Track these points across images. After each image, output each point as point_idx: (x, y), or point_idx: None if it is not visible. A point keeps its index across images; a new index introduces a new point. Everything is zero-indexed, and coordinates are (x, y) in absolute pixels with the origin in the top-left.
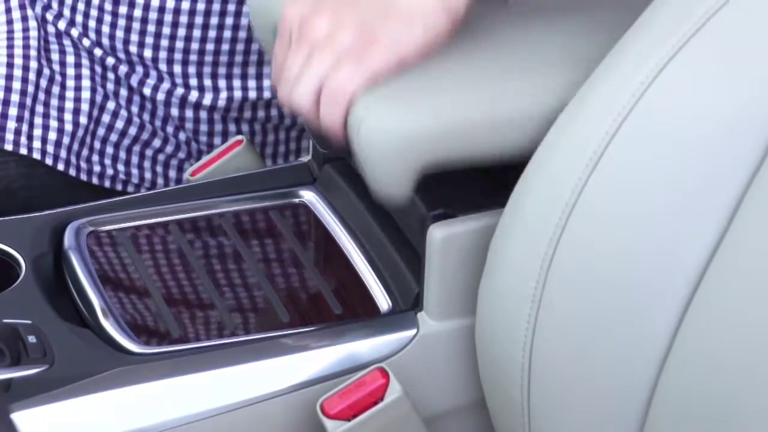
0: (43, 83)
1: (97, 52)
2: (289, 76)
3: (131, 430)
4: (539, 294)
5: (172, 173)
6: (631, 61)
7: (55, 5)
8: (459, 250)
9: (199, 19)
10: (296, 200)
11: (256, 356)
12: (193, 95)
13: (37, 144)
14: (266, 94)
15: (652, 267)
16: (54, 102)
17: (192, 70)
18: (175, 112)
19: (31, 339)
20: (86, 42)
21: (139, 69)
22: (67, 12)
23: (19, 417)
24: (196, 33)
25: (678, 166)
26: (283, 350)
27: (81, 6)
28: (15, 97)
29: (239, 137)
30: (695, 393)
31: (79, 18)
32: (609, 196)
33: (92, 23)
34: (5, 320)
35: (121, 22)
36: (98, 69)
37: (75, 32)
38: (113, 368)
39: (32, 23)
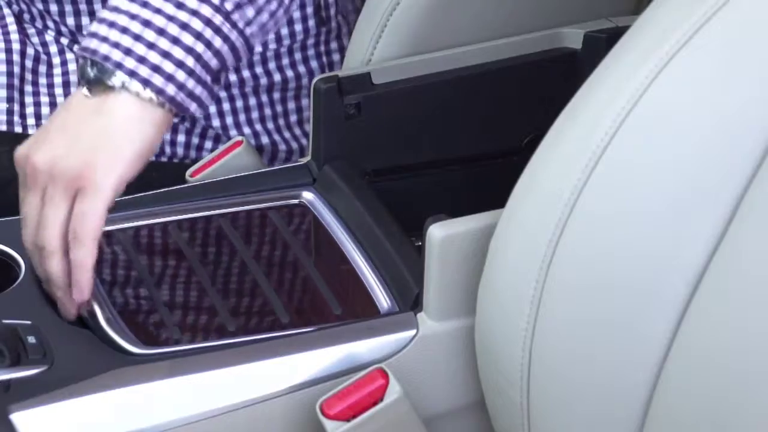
0: (29, 63)
1: (65, 35)
2: (30, 220)
3: (130, 431)
4: (539, 294)
5: (166, 135)
6: (630, 61)
7: (23, 5)
8: (459, 251)
9: None
10: (296, 201)
11: (255, 357)
12: None
13: (31, 121)
14: None
15: (650, 268)
16: (43, 80)
17: None
18: None
19: (31, 339)
20: (52, 25)
21: None
22: (35, 9)
23: (18, 417)
24: None
25: (677, 167)
26: (283, 351)
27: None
28: (2, 79)
29: (239, 138)
30: (694, 395)
31: (40, 5)
32: (608, 196)
33: (54, 7)
34: (5, 321)
35: (68, 8)
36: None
37: (49, 22)
38: (113, 369)
39: (6, 11)
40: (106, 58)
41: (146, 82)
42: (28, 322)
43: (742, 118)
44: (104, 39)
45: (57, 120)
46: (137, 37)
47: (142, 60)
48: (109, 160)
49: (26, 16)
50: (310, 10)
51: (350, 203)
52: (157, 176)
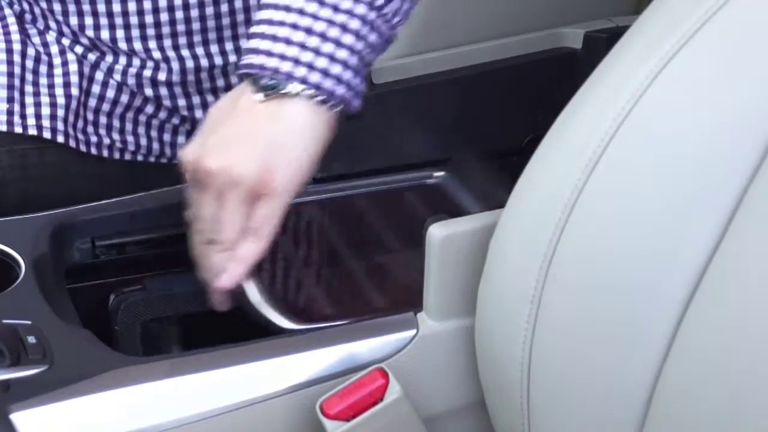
0: (30, 64)
1: (67, 36)
2: (205, 218)
3: (130, 431)
4: (539, 294)
5: (167, 137)
6: (630, 61)
7: (25, 5)
8: (459, 250)
9: None
10: (432, 181)
11: (256, 356)
12: (163, 69)
13: (31, 121)
14: (231, 59)
15: (651, 268)
16: (43, 81)
17: (152, 44)
18: (149, 92)
19: (31, 339)
20: (54, 25)
21: (109, 56)
22: (37, 9)
23: (18, 417)
24: (147, 5)
25: (677, 167)
26: (283, 351)
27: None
28: (2, 80)
29: None
30: (694, 395)
31: (43, 4)
32: (608, 196)
33: (57, 6)
34: (5, 321)
35: (72, 8)
36: (79, 48)
37: (52, 22)
38: (112, 369)
39: (7, 11)
40: (276, 71)
41: (318, 87)
42: (28, 322)
43: (742, 117)
44: (269, 53)
45: (226, 125)
46: (303, 46)
47: (311, 66)
48: (288, 166)
49: (28, 17)
50: None
51: (487, 184)
52: (158, 177)
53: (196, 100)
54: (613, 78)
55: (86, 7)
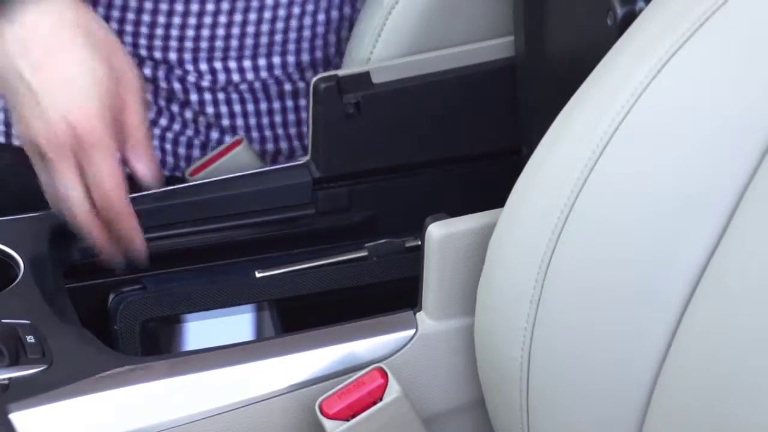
0: None
1: None
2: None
3: (130, 431)
4: (538, 294)
5: (182, 150)
6: (629, 60)
7: None
8: (458, 250)
9: None
10: None
11: (255, 356)
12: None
13: None
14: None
15: (649, 268)
16: None
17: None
18: (162, 102)
19: (30, 339)
20: None
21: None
22: None
23: (17, 417)
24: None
25: (676, 167)
26: (282, 350)
27: None
28: None
29: (238, 137)
30: (693, 395)
31: None
32: (607, 196)
33: None
34: (4, 320)
35: None
36: None
37: None
38: (112, 368)
39: None
40: None
41: None
42: (27, 322)
43: (742, 117)
44: None
45: None
46: None
47: None
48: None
49: None
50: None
51: None
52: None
53: (203, 66)
54: (613, 77)
55: None
